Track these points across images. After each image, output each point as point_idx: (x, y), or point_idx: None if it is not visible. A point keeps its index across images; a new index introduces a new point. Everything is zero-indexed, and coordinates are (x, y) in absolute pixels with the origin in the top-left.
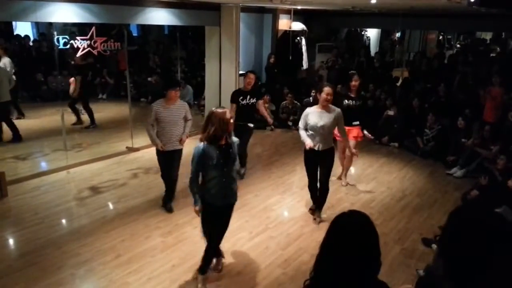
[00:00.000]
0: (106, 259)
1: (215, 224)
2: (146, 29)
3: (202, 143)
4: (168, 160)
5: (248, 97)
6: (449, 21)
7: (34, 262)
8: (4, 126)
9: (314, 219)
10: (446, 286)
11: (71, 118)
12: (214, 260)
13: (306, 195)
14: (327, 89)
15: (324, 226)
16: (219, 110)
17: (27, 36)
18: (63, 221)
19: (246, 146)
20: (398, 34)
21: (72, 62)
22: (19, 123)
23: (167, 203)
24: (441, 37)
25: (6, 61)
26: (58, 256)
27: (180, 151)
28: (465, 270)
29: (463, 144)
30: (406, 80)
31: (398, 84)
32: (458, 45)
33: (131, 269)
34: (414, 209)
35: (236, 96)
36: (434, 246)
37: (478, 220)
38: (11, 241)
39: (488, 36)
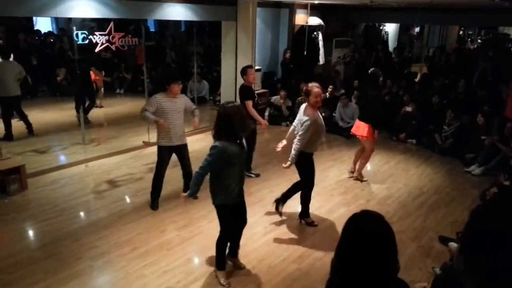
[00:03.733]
0: (123, 252)
1: (234, 222)
2: (163, 24)
3: (221, 142)
4: (181, 153)
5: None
6: (470, 15)
7: (53, 254)
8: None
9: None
10: (467, 283)
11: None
12: (229, 262)
13: (321, 191)
14: (316, 91)
15: (339, 223)
16: (233, 105)
17: (51, 32)
18: (81, 213)
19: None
20: (417, 29)
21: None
22: (38, 117)
23: (154, 201)
24: (461, 32)
25: None
26: (76, 248)
27: (186, 145)
28: (487, 267)
29: (482, 141)
30: (425, 76)
31: (417, 79)
32: (479, 40)
33: (147, 261)
34: (431, 207)
35: (251, 91)
36: (451, 244)
37: (500, 217)
38: (30, 233)
39: (510, 30)
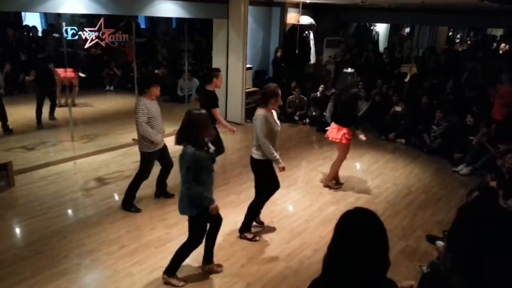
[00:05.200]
0: (111, 250)
1: (206, 226)
2: (154, 21)
3: (195, 149)
4: (162, 154)
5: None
6: (460, 17)
7: (40, 251)
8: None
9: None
10: (454, 280)
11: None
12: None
13: (311, 189)
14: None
15: (328, 222)
16: (202, 113)
17: (34, 27)
18: (69, 211)
19: None
20: (407, 30)
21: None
22: (26, 113)
23: (163, 194)
24: (450, 33)
25: None
26: (64, 245)
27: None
28: (473, 264)
29: (470, 141)
30: (414, 76)
31: (406, 80)
32: (468, 41)
33: (135, 259)
34: (419, 206)
35: (216, 98)
36: (438, 243)
37: (486, 216)
38: (18, 230)
39: (499, 32)
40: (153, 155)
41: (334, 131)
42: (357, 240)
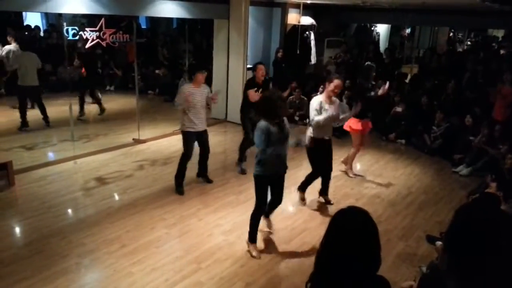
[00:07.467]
0: (111, 249)
1: (272, 191)
2: (155, 21)
3: (264, 121)
4: (201, 139)
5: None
6: (461, 18)
7: (40, 251)
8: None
9: (329, 202)
10: (450, 282)
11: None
12: (265, 223)
13: (311, 189)
14: (337, 82)
15: (328, 222)
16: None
17: (37, 27)
18: (69, 210)
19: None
20: (408, 30)
21: None
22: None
23: (181, 185)
24: (451, 34)
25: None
26: (63, 245)
27: (207, 131)
28: (470, 266)
29: (471, 142)
30: (415, 77)
31: (407, 80)
32: (469, 42)
33: (135, 259)
34: (419, 206)
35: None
36: (438, 243)
37: (484, 217)
38: (17, 230)
39: (500, 33)
40: (188, 135)
41: (348, 122)
42: (348, 238)
